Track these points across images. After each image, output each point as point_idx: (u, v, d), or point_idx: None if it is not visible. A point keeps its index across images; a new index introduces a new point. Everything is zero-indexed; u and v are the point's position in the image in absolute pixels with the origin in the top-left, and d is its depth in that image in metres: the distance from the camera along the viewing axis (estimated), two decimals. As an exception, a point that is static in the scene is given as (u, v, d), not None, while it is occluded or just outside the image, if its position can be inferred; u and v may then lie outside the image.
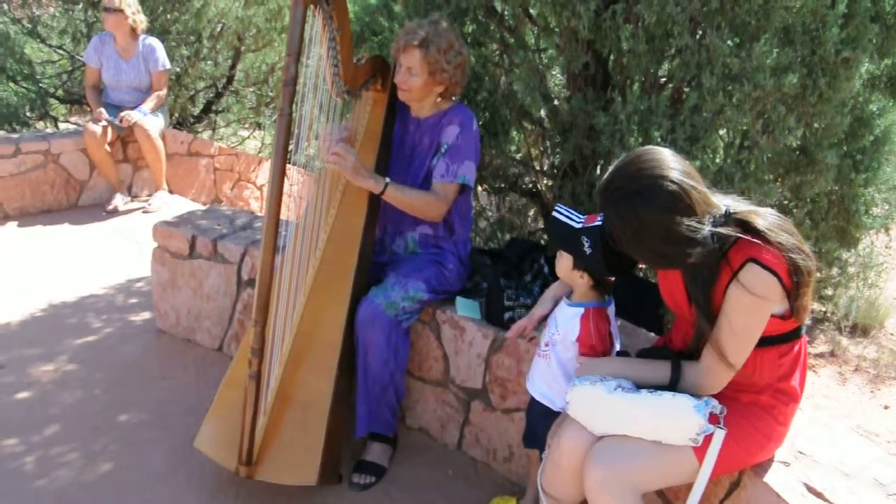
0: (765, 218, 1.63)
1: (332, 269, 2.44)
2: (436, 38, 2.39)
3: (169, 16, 6.07)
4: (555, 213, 1.89)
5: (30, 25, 6.03)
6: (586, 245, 1.79)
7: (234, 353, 3.01)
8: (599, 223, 1.78)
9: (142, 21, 4.91)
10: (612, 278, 1.92)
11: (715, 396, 1.67)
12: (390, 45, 2.51)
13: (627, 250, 1.69)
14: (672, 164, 1.60)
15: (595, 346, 1.89)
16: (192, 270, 3.17)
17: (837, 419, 2.73)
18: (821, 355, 3.36)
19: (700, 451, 1.65)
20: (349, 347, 2.34)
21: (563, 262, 1.93)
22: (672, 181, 1.56)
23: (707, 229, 1.57)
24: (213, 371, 3.00)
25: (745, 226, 1.62)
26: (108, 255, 4.25)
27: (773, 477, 1.77)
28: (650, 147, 1.66)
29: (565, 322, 1.93)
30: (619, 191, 1.61)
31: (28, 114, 6.04)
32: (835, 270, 3.14)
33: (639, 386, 1.72)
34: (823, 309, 3.69)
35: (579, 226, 1.83)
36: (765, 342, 1.65)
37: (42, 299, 3.61)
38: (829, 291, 3.36)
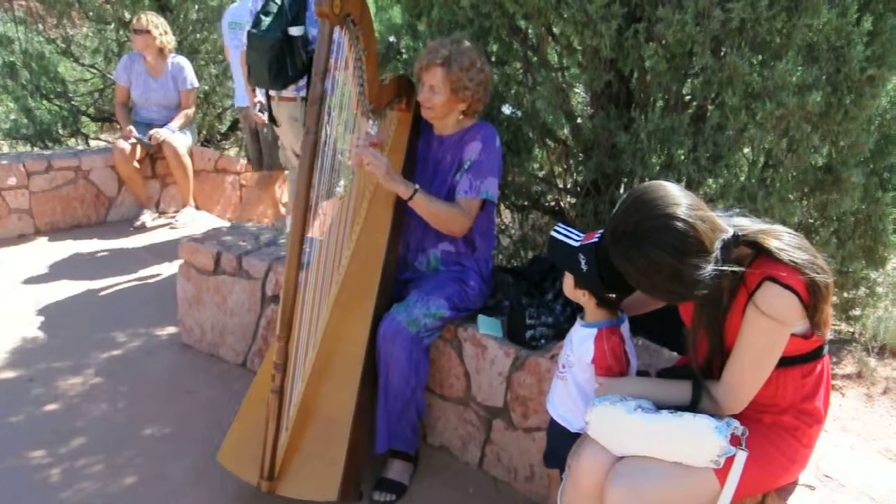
0: (777, 237, 1.62)
1: (356, 285, 2.46)
2: (458, 56, 2.42)
3: (198, 35, 6.18)
4: (553, 232, 1.87)
5: (63, 45, 6.17)
6: (583, 263, 1.79)
7: (257, 368, 3.04)
8: (596, 241, 1.76)
9: (170, 42, 5.00)
10: (614, 296, 1.90)
11: (737, 417, 1.65)
12: (414, 65, 2.53)
13: (639, 289, 1.68)
14: (677, 199, 1.58)
15: (612, 367, 1.88)
16: (216, 286, 3.21)
17: (864, 442, 2.68)
18: (848, 377, 3.31)
19: (722, 473, 1.63)
20: (371, 363, 2.35)
21: (568, 281, 1.92)
22: (678, 218, 1.54)
23: (716, 257, 1.56)
24: (237, 386, 3.03)
25: (757, 247, 1.61)
26: (135, 270, 4.32)
27: (797, 500, 1.74)
28: (652, 184, 1.64)
29: (580, 344, 1.92)
30: (626, 235, 1.60)
31: (60, 131, 6.17)
32: (862, 290, 3.08)
33: (659, 406, 1.70)
34: (851, 329, 3.63)
35: (577, 244, 1.82)
36: (787, 362, 1.64)
37: (70, 314, 3.67)
38: (857, 311, 3.31)
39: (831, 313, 1.65)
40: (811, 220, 2.69)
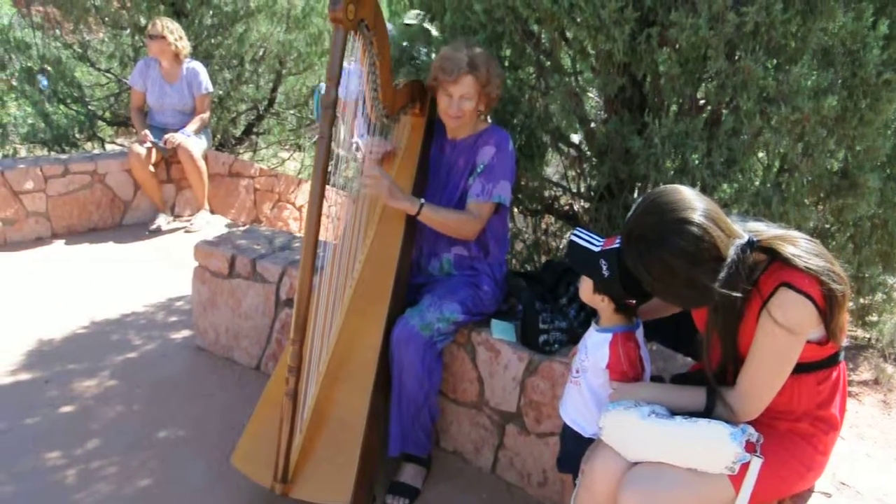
0: (793, 243, 1.61)
1: (369, 289, 2.47)
2: (480, 59, 2.44)
3: (213, 40, 6.22)
4: (573, 237, 1.87)
5: (80, 50, 6.22)
6: (604, 268, 1.78)
7: (271, 371, 3.05)
8: (618, 246, 1.76)
9: (185, 47, 5.04)
10: (633, 301, 1.90)
11: (752, 424, 1.64)
12: (433, 77, 2.51)
13: (653, 293, 1.68)
14: (692, 203, 1.58)
15: (626, 372, 1.87)
16: (231, 289, 3.22)
17: (881, 449, 2.66)
18: (864, 383, 3.28)
19: (736, 480, 1.62)
20: (384, 367, 2.36)
21: (585, 285, 1.91)
22: (693, 223, 1.54)
23: (731, 262, 1.55)
24: (251, 389, 3.04)
25: (773, 253, 1.60)
26: (150, 273, 4.35)
27: (813, 507, 1.73)
28: (667, 188, 1.64)
29: (594, 349, 1.92)
30: (642, 239, 1.60)
31: (77, 135, 6.22)
32: (879, 296, 3.06)
33: (673, 412, 1.70)
34: (867, 335, 3.60)
35: (598, 249, 1.81)
36: (802, 368, 1.63)
37: (86, 316, 3.70)
38: (874, 317, 3.28)
39: (847, 320, 1.64)
40: (827, 225, 2.67)
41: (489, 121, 2.63)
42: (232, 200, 5.64)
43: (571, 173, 3.19)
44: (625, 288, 1.78)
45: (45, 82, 6.08)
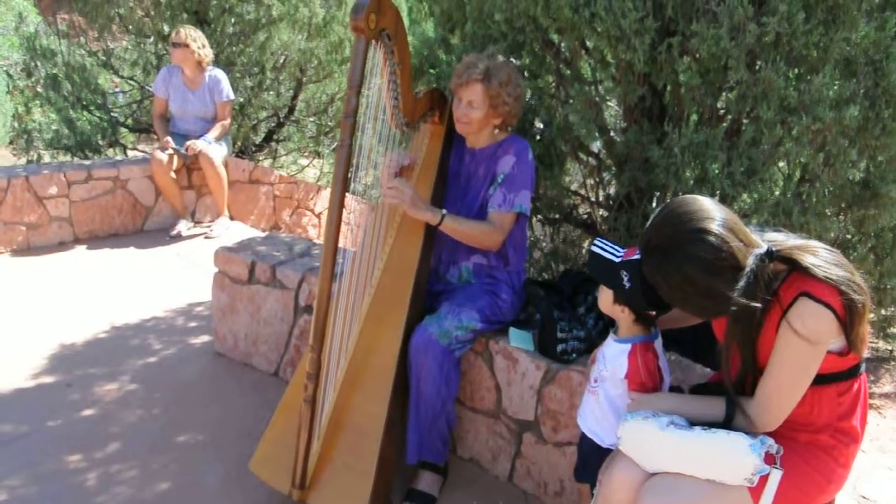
0: (813, 253, 1.60)
1: (388, 296, 2.48)
2: (496, 72, 2.44)
3: (234, 48, 6.28)
4: (593, 247, 1.87)
5: (104, 57, 6.30)
6: (625, 279, 1.78)
7: (289, 377, 3.07)
8: (639, 257, 1.76)
9: (207, 55, 5.09)
10: (653, 312, 1.90)
11: (772, 436, 1.63)
12: (448, 78, 2.55)
13: (671, 303, 1.68)
14: (711, 213, 1.57)
15: (644, 383, 1.86)
16: (250, 295, 3.25)
17: (904, 463, 2.63)
18: (886, 395, 3.25)
19: (756, 492, 1.61)
20: (402, 375, 2.36)
21: (605, 296, 1.91)
22: (712, 233, 1.54)
23: (750, 272, 1.54)
24: (269, 395, 3.06)
25: (792, 263, 1.59)
26: (171, 278, 4.39)
27: (833, 520, 1.72)
28: (686, 198, 1.64)
29: (613, 359, 1.91)
30: (659, 249, 1.60)
31: (100, 141, 6.29)
32: (901, 308, 3.03)
33: (692, 423, 1.69)
34: (889, 347, 3.56)
35: (619, 259, 1.81)
36: (823, 380, 1.62)
37: (107, 320, 3.74)
38: (895, 329, 3.25)
39: (868, 331, 1.63)
40: (848, 236, 2.65)
41: (509, 130, 2.63)
42: (251, 207, 5.69)
43: (590, 182, 3.19)
44: (646, 299, 1.78)
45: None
